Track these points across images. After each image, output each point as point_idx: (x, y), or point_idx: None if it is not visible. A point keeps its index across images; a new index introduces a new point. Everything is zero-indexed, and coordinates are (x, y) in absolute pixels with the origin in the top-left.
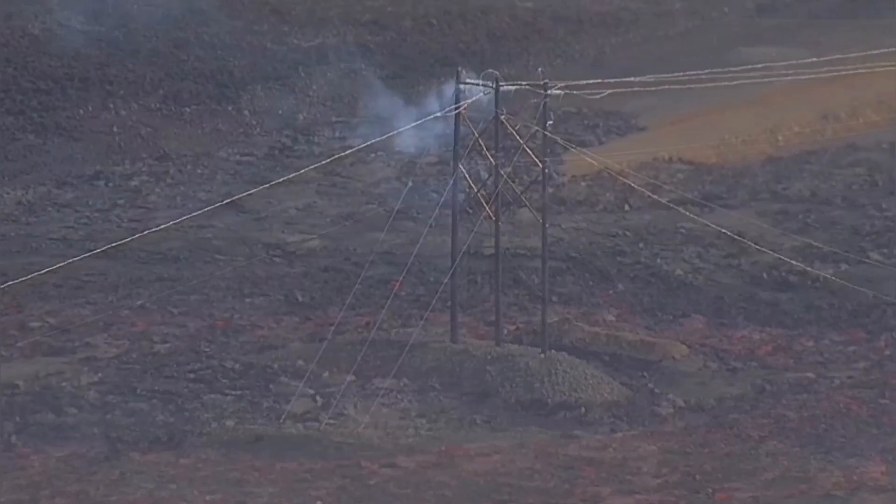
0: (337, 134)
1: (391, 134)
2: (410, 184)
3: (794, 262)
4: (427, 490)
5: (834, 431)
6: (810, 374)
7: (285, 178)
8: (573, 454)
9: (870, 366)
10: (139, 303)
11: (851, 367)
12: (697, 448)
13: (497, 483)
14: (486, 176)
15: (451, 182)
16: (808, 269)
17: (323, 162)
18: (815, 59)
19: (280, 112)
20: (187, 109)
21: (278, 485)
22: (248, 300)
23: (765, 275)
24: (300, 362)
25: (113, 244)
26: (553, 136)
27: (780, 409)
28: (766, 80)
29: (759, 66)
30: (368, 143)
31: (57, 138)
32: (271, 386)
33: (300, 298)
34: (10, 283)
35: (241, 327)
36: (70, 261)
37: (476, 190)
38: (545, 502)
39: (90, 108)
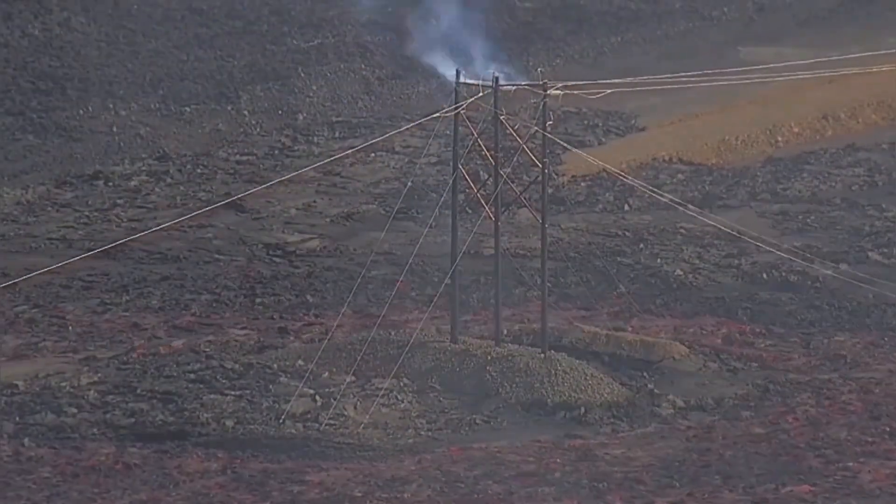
0: (337, 134)
1: (391, 134)
2: (410, 184)
3: (794, 262)
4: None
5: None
6: (828, 376)
7: (285, 177)
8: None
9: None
10: (160, 304)
11: (870, 368)
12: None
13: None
14: (486, 176)
15: (451, 182)
16: (809, 268)
17: (323, 162)
18: (815, 60)
19: (280, 112)
20: (187, 109)
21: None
22: (263, 299)
23: (765, 275)
24: (300, 362)
25: (113, 244)
26: (553, 137)
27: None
28: (765, 80)
29: (759, 66)
30: (368, 143)
31: (56, 138)
32: (271, 386)
33: (310, 299)
34: (12, 281)
35: (247, 326)
36: (70, 260)
37: (476, 190)
38: None
39: (90, 108)
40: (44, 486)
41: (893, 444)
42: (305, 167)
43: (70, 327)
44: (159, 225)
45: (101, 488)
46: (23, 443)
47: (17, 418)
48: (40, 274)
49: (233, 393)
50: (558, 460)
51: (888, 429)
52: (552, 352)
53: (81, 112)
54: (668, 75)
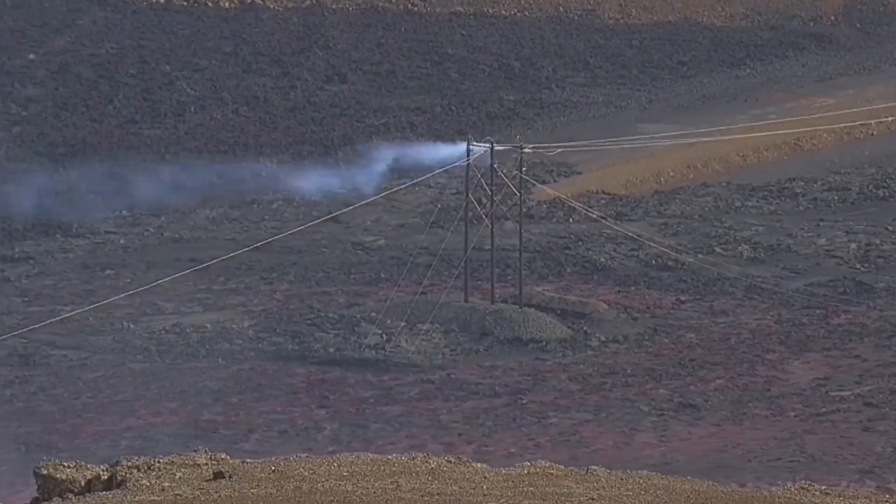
0: (395, 175)
1: (428, 175)
2: (439, 206)
3: (670, 253)
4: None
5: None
6: (697, 321)
7: (364, 202)
8: None
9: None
10: (290, 279)
11: (731, 315)
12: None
13: None
14: (486, 201)
15: (464, 205)
16: (679, 257)
17: (386, 192)
18: (681, 132)
19: (361, 163)
20: (306, 161)
21: None
22: (352, 276)
23: (653, 261)
24: (373, 314)
25: (262, 242)
26: (525, 177)
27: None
28: (652, 143)
29: (649, 135)
30: (414, 181)
31: (230, 181)
32: (355, 328)
33: (382, 275)
34: (205, 265)
35: (341, 292)
36: (238, 252)
37: (479, 209)
38: None
39: (249, 162)
40: (289, 391)
41: (736, 359)
42: (376, 195)
43: (237, 291)
44: (290, 231)
45: (295, 398)
46: (218, 360)
47: (207, 346)
48: (222, 260)
49: (333, 331)
50: (532, 375)
51: (735, 354)
52: (526, 307)
53: (242, 164)
54: (595, 140)
